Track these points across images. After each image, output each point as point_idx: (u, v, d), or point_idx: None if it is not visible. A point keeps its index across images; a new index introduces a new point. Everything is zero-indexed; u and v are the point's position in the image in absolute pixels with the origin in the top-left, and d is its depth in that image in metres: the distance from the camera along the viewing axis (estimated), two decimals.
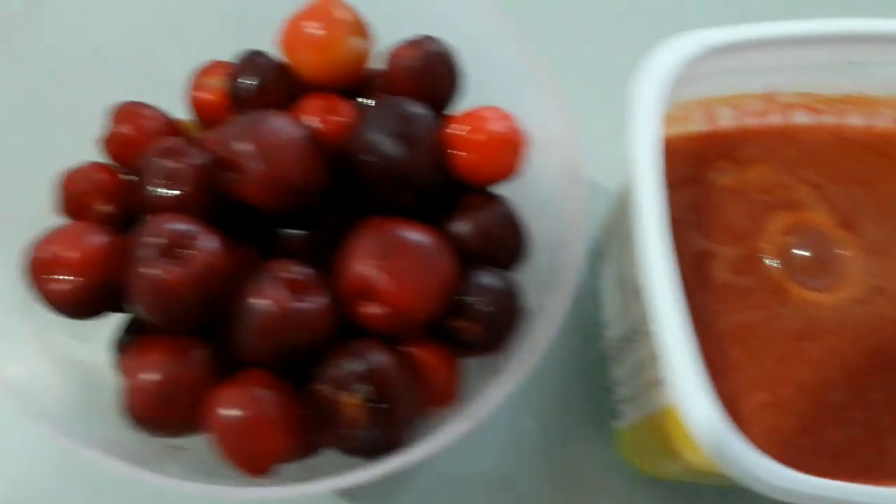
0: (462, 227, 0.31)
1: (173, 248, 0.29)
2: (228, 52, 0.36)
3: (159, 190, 0.31)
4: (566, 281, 0.29)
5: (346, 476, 0.27)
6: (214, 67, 0.37)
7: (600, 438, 0.40)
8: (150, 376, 0.29)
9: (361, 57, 0.34)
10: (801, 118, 0.37)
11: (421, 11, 0.34)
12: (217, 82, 0.36)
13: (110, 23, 0.37)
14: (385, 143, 0.30)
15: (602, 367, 0.41)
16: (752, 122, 0.37)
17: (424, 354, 0.30)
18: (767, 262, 0.35)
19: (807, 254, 0.35)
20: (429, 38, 0.33)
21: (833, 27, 0.33)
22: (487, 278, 0.30)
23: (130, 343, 0.32)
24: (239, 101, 0.34)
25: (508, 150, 0.31)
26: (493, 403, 0.27)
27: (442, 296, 0.29)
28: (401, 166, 0.30)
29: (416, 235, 0.29)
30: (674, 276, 0.28)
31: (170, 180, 0.31)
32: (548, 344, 0.29)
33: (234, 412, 0.28)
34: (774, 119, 0.37)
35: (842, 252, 0.35)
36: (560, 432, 0.41)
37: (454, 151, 0.31)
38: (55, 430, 0.28)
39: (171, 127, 0.36)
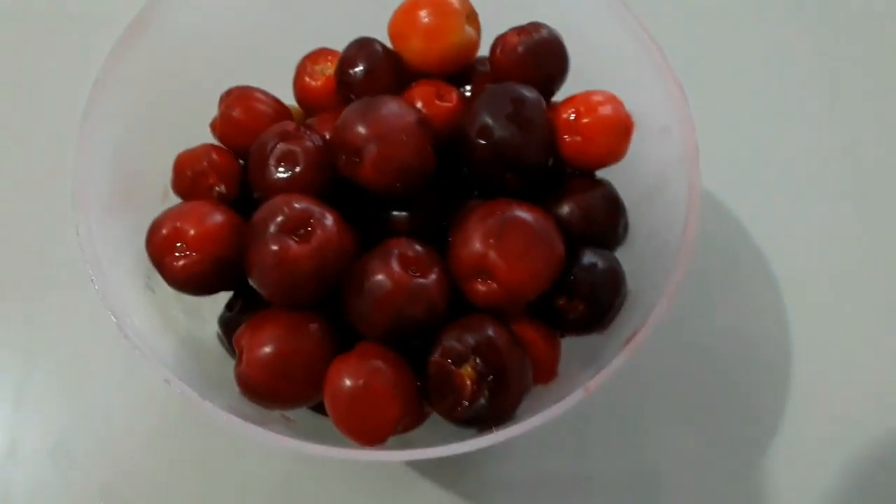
0: (567, 208, 0.32)
1: (295, 226, 0.30)
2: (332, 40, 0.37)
3: (277, 171, 0.32)
4: (681, 265, 0.29)
5: (463, 443, 0.27)
6: (321, 54, 0.38)
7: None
8: (270, 349, 0.30)
9: (473, 45, 0.35)
10: None
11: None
12: (323, 69, 0.38)
13: (220, 13, 0.38)
14: (499, 127, 0.31)
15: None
16: None
17: (529, 332, 0.30)
18: None
19: None
20: (536, 24, 0.33)
21: None
22: (591, 258, 0.31)
23: (244, 319, 0.33)
24: (346, 87, 0.35)
25: (616, 134, 0.32)
26: (607, 378, 0.28)
27: (550, 274, 0.30)
28: (513, 150, 0.31)
29: (527, 216, 0.30)
30: None
31: (286, 162, 0.32)
32: (658, 324, 0.29)
33: (353, 383, 0.29)
34: None
35: None
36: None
37: (564, 135, 0.32)
38: (194, 396, 0.29)
39: (280, 111, 0.37)
